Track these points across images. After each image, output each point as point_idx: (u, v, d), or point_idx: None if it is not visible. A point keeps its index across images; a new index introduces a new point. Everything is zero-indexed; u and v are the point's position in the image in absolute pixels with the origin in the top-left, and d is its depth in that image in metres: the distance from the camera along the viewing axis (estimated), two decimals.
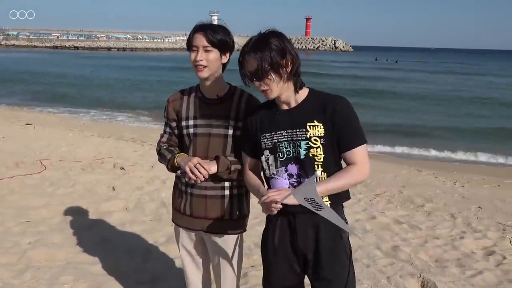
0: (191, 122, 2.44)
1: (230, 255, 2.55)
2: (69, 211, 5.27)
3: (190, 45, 2.32)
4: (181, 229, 2.62)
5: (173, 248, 4.42)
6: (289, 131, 2.10)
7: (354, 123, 2.09)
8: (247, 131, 2.27)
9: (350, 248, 2.24)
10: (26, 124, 12.12)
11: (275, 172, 2.15)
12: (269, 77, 2.01)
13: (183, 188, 2.53)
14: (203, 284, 2.76)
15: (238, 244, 2.56)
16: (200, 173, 2.26)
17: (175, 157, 2.41)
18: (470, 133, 15.67)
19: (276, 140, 2.13)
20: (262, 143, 2.17)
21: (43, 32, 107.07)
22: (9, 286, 3.56)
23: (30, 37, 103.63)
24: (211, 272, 2.76)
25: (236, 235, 2.55)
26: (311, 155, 2.06)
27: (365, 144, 2.10)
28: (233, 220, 2.51)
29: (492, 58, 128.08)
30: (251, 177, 2.29)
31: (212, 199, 2.47)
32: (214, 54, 2.31)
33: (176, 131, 2.54)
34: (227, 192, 2.47)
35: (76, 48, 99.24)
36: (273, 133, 2.14)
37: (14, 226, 4.77)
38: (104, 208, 5.49)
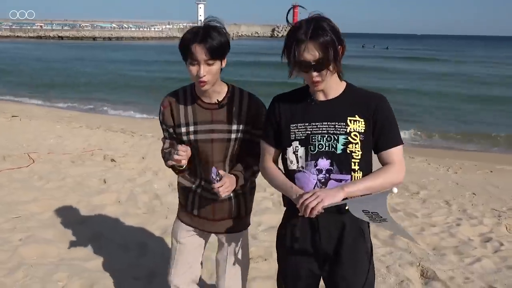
0: (191, 128, 2.34)
1: (239, 253, 2.55)
2: (60, 206, 5.13)
3: (188, 57, 2.15)
4: (182, 224, 2.56)
5: (169, 241, 4.33)
6: (326, 123, 1.97)
7: (394, 123, 2.01)
8: (272, 119, 2.12)
9: (372, 248, 2.15)
10: (12, 117, 11.88)
11: (304, 166, 2.01)
12: (329, 67, 1.87)
13: (193, 186, 2.48)
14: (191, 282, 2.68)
15: (245, 241, 2.56)
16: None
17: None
18: (459, 120, 15.71)
19: (309, 132, 1.99)
20: (292, 133, 2.03)
21: (26, 22, 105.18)
22: (0, 285, 3.45)
23: (13, 27, 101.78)
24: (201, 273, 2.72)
25: (243, 232, 2.55)
26: (348, 151, 1.95)
27: (402, 146, 2.02)
28: (240, 218, 2.50)
29: (469, 44, 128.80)
30: (276, 173, 2.13)
31: (220, 202, 2.44)
32: (216, 65, 2.17)
33: (175, 136, 2.44)
34: (232, 194, 2.42)
35: (61, 38, 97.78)
36: (307, 124, 2.00)
37: (4, 222, 4.63)
38: (96, 202, 5.36)
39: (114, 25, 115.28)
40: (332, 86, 1.99)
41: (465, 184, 7.06)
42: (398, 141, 2.00)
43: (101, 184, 6.11)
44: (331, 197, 1.82)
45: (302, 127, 2.01)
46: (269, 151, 2.17)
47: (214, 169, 2.15)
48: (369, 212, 1.72)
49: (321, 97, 2.02)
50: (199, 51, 2.10)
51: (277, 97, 2.15)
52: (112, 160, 7.34)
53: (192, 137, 2.34)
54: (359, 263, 2.09)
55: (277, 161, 2.22)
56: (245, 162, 2.37)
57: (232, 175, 2.26)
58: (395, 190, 1.64)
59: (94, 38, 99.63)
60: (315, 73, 1.88)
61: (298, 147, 2.02)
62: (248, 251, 2.63)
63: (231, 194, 2.41)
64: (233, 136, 2.33)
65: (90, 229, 4.56)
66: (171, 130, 2.41)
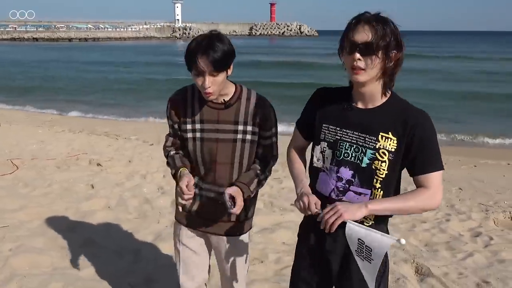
0: (197, 126, 2.33)
1: (241, 255, 2.54)
2: (49, 213, 5.03)
3: (192, 68, 2.13)
4: (182, 226, 2.54)
5: (163, 247, 4.30)
6: (357, 134, 1.90)
7: (435, 145, 1.87)
8: (309, 109, 2.07)
9: (386, 262, 2.03)
10: None
11: (328, 168, 1.97)
12: (377, 56, 1.77)
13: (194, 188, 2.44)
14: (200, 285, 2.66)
15: (245, 244, 2.55)
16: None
17: (179, 171, 2.32)
18: (440, 116, 15.84)
19: (338, 137, 1.94)
20: (322, 133, 1.99)
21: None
22: None
23: None
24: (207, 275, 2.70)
25: (244, 236, 2.53)
26: (373, 167, 1.88)
27: (442, 171, 1.88)
28: (240, 221, 2.49)
29: (469, 40, 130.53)
30: (296, 160, 2.14)
31: (220, 203, 2.39)
32: (221, 76, 2.15)
33: (179, 133, 2.43)
34: None
35: (36, 39, 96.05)
36: (338, 128, 1.94)
37: None
38: (85, 208, 5.28)
39: (90, 25, 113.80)
40: (373, 94, 1.89)
41: (451, 180, 7.15)
42: (438, 166, 1.86)
43: (88, 189, 6.02)
44: (352, 213, 1.76)
45: (333, 130, 1.97)
46: (297, 137, 2.18)
47: (226, 195, 2.17)
48: (363, 244, 1.69)
49: (359, 103, 1.94)
50: (203, 63, 2.09)
51: (321, 90, 2.10)
52: (98, 164, 7.23)
53: (197, 135, 2.33)
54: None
55: (304, 150, 2.22)
56: (253, 171, 2.37)
57: (239, 190, 2.25)
58: (403, 241, 1.61)
59: (70, 39, 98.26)
60: (358, 55, 1.78)
61: (325, 148, 1.98)
62: (247, 255, 2.60)
63: None
64: (239, 136, 2.31)
65: (81, 236, 4.48)
66: (176, 126, 2.40)
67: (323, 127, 2.00)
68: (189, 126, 2.34)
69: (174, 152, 2.43)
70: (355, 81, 1.85)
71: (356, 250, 1.76)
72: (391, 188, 1.95)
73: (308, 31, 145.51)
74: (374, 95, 1.90)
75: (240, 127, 2.30)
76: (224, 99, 2.29)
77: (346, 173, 1.93)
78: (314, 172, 2.04)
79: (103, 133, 10.34)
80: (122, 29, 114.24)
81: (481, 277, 3.88)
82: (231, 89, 2.31)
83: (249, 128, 2.31)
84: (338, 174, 1.95)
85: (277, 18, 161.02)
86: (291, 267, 3.81)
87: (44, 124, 11.83)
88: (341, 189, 1.95)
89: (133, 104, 17.73)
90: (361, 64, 1.79)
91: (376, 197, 1.92)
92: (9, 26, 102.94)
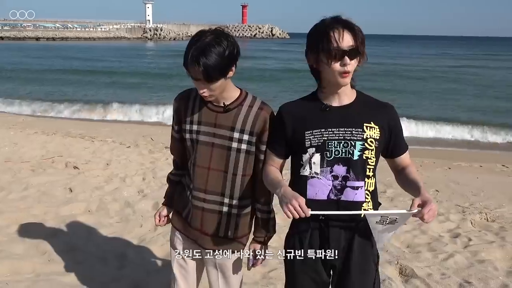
0: (194, 127, 2.24)
1: (227, 274, 2.40)
2: (27, 218, 4.90)
3: (188, 72, 2.05)
4: (177, 232, 2.46)
5: (148, 251, 4.25)
6: (343, 129, 1.99)
7: (402, 130, 2.15)
8: (280, 128, 2.10)
9: (378, 255, 2.19)
10: None
11: (318, 172, 2.00)
12: (358, 58, 1.94)
13: (188, 193, 2.39)
14: None
15: (236, 264, 2.40)
16: None
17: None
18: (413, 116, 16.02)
19: (325, 138, 1.99)
20: (307, 140, 2.01)
21: None
22: None
23: None
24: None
25: (233, 254, 2.37)
26: (364, 157, 1.99)
27: None
28: (227, 238, 2.33)
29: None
30: (272, 170, 2.14)
31: (208, 213, 2.30)
32: (218, 82, 2.05)
33: (176, 136, 2.39)
34: (225, 209, 2.28)
35: (1, 38, 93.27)
36: (323, 130, 1.99)
37: None
38: (65, 212, 5.15)
39: (58, 25, 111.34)
40: (346, 92, 2.03)
41: (428, 181, 7.28)
42: (407, 146, 2.19)
43: (67, 193, 5.88)
44: (436, 206, 1.87)
45: (318, 133, 2.00)
46: (272, 159, 2.17)
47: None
48: (387, 218, 1.87)
49: (335, 103, 2.04)
50: (194, 72, 2.01)
51: (285, 106, 2.13)
52: (75, 167, 7.07)
53: (194, 136, 2.24)
54: (367, 273, 2.11)
55: (280, 168, 2.21)
56: (257, 208, 2.36)
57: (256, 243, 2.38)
58: (414, 210, 1.83)
59: (37, 39, 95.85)
60: (348, 60, 1.89)
61: (314, 153, 2.00)
62: (239, 277, 2.46)
63: (224, 209, 2.28)
64: (234, 145, 2.18)
65: (63, 242, 4.37)
66: (176, 127, 2.36)
67: (306, 135, 2.02)
68: (187, 127, 2.26)
69: (173, 171, 2.53)
70: (343, 84, 1.97)
71: (380, 221, 1.92)
72: (375, 174, 2.10)
73: (280, 34, 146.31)
74: (347, 92, 2.04)
75: (236, 135, 2.18)
76: (224, 103, 2.19)
77: (340, 170, 1.99)
78: (301, 182, 2.04)
79: (78, 135, 10.11)
80: (91, 29, 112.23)
81: (463, 277, 3.98)
82: (234, 94, 2.21)
83: (246, 137, 2.18)
84: (332, 173, 1.99)
85: (249, 20, 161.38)
86: (277, 270, 3.87)
87: (16, 125, 11.49)
88: (339, 187, 2.00)
89: (107, 105, 17.45)
90: (350, 68, 1.91)
91: (368, 186, 2.03)
92: None
